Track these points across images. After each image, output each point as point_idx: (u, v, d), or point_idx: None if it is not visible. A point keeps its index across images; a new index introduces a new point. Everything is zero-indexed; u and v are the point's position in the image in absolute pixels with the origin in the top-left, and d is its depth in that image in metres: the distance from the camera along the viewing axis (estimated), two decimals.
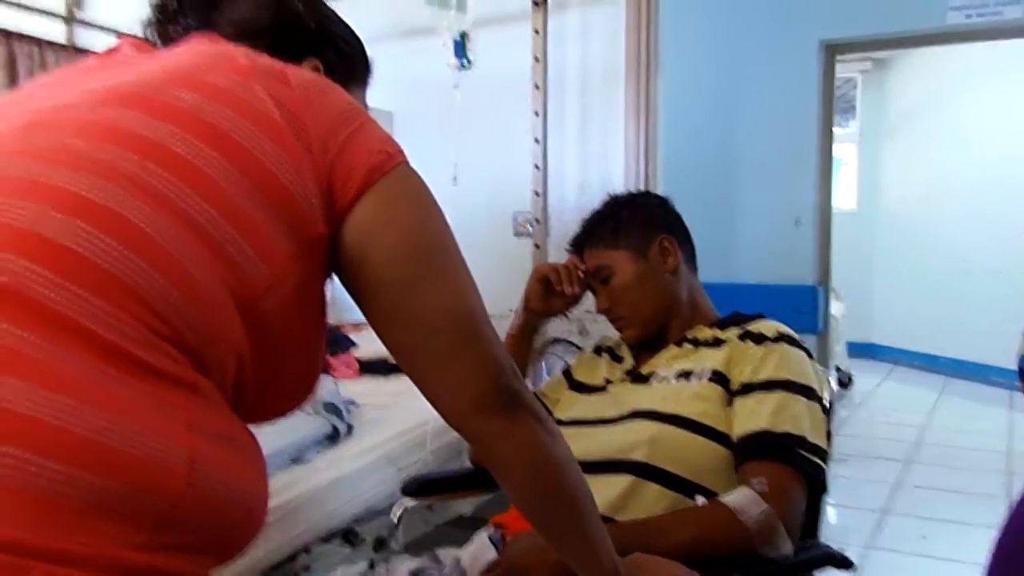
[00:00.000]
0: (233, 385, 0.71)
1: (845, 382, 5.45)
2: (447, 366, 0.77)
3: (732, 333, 1.31)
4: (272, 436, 1.61)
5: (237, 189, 0.69)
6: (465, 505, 2.01)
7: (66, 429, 0.55)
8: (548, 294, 1.47)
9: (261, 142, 0.72)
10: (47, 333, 0.58)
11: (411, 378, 0.79)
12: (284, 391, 0.81)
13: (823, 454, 1.19)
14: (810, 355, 1.28)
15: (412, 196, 0.79)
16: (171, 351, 0.63)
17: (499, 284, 2.68)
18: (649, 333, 1.40)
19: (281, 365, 0.77)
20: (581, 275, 1.44)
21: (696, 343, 1.35)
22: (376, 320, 0.78)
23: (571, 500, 0.85)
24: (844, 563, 1.15)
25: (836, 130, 3.79)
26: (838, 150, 3.74)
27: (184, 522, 0.60)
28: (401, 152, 0.80)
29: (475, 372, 0.77)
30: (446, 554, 1.30)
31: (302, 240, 0.73)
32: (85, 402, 0.56)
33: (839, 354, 5.21)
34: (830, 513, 3.24)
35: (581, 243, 1.47)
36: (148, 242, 0.64)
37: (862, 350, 6.53)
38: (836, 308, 4.41)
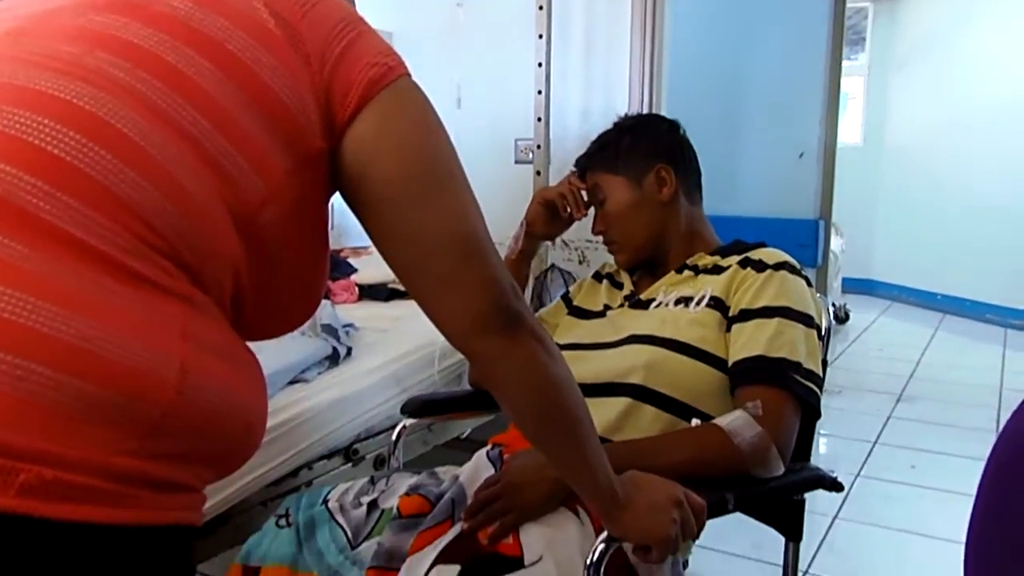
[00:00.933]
0: (232, 302, 0.71)
1: (842, 317, 5.49)
2: (448, 287, 0.76)
3: (733, 260, 1.32)
4: (272, 357, 1.62)
5: (231, 101, 0.68)
6: (463, 427, 2.04)
7: (54, 336, 0.55)
8: (550, 218, 1.49)
9: (256, 53, 0.70)
10: (36, 243, 0.57)
11: (413, 297, 0.79)
12: (285, 308, 0.81)
13: (818, 380, 1.20)
14: (810, 283, 1.29)
15: (413, 111, 0.78)
16: (166, 265, 0.63)
17: (500, 211, 2.68)
18: (640, 259, 1.43)
19: (280, 282, 0.77)
20: (583, 196, 1.46)
21: (696, 270, 1.36)
22: (377, 238, 0.77)
23: (570, 419, 0.86)
24: (834, 485, 1.18)
25: (844, 63, 3.73)
26: (845, 83, 3.68)
27: (176, 431, 0.60)
28: (402, 64, 0.78)
29: (476, 293, 0.76)
30: (445, 471, 1.33)
31: (299, 155, 0.72)
32: (75, 310, 0.56)
33: (835, 289, 5.23)
34: (821, 443, 3.30)
35: (583, 164, 1.47)
36: (141, 154, 0.63)
37: (861, 286, 6.55)
38: (836, 243, 4.40)
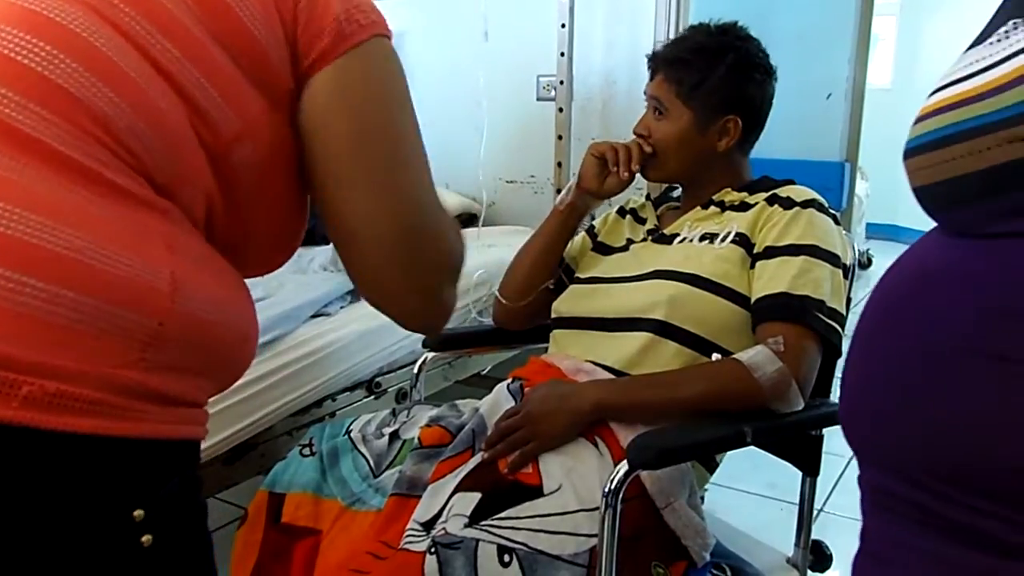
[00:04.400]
0: (205, 230, 0.69)
1: (865, 263, 5.44)
2: (380, 278, 0.75)
3: (760, 197, 1.30)
4: (295, 291, 1.65)
5: (202, 32, 0.66)
6: (483, 363, 2.06)
7: (44, 247, 0.54)
8: (602, 173, 1.39)
9: None
10: (14, 153, 0.56)
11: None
12: (258, 249, 0.79)
13: (841, 319, 1.20)
14: (837, 222, 1.27)
15: (376, 81, 0.73)
16: (141, 181, 0.62)
17: (521, 150, 2.66)
18: (666, 181, 1.42)
19: (253, 221, 0.75)
20: (647, 150, 1.36)
21: (722, 206, 1.34)
22: (316, 208, 0.75)
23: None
24: None
25: (876, 2, 3.63)
26: (876, 24, 3.58)
27: (174, 341, 0.60)
28: (379, 23, 0.73)
29: (408, 293, 0.76)
30: (465, 404, 1.34)
31: (274, 93, 0.70)
32: (61, 221, 0.55)
33: (859, 234, 5.17)
34: (838, 387, 3.29)
35: (661, 65, 1.36)
36: (114, 69, 0.61)
37: (885, 231, 6.47)
38: (861, 188, 4.35)
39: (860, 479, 0.73)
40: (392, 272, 0.74)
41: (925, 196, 0.69)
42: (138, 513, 0.57)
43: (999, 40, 0.63)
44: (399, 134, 0.74)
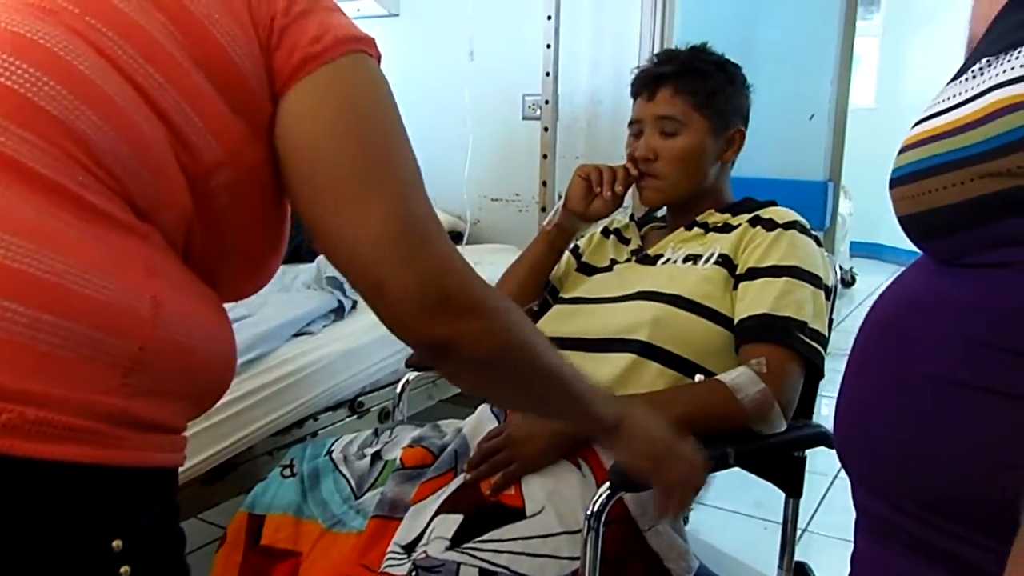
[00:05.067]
0: (183, 254, 0.69)
1: (848, 281, 5.48)
2: (382, 292, 0.68)
3: (743, 219, 1.30)
4: (278, 309, 1.64)
5: (185, 58, 0.65)
6: None
7: (24, 271, 0.53)
8: (589, 195, 1.40)
9: (211, 11, 0.67)
10: None
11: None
12: (235, 272, 0.78)
13: (823, 340, 1.20)
14: (819, 243, 1.28)
15: (352, 94, 0.71)
16: (121, 204, 0.61)
17: (506, 168, 2.67)
18: (668, 202, 1.39)
19: (230, 245, 0.73)
20: (634, 173, 1.36)
21: (706, 227, 1.35)
22: (306, 221, 0.70)
23: (543, 377, 0.81)
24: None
25: (858, 22, 3.67)
26: (858, 44, 3.63)
27: (154, 366, 0.59)
28: (358, 39, 0.72)
29: (406, 302, 0.67)
30: (448, 424, 1.34)
31: (254, 119, 0.69)
32: (41, 244, 0.55)
33: (843, 253, 5.21)
34: (823, 405, 3.30)
35: (666, 77, 1.34)
36: (96, 91, 0.61)
37: (868, 250, 6.52)
38: (844, 206, 4.38)
39: (854, 501, 0.74)
40: (400, 280, 0.67)
41: (908, 225, 0.70)
42: (116, 543, 0.56)
43: (973, 76, 0.65)
44: (382, 141, 0.70)
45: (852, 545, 0.76)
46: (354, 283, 0.70)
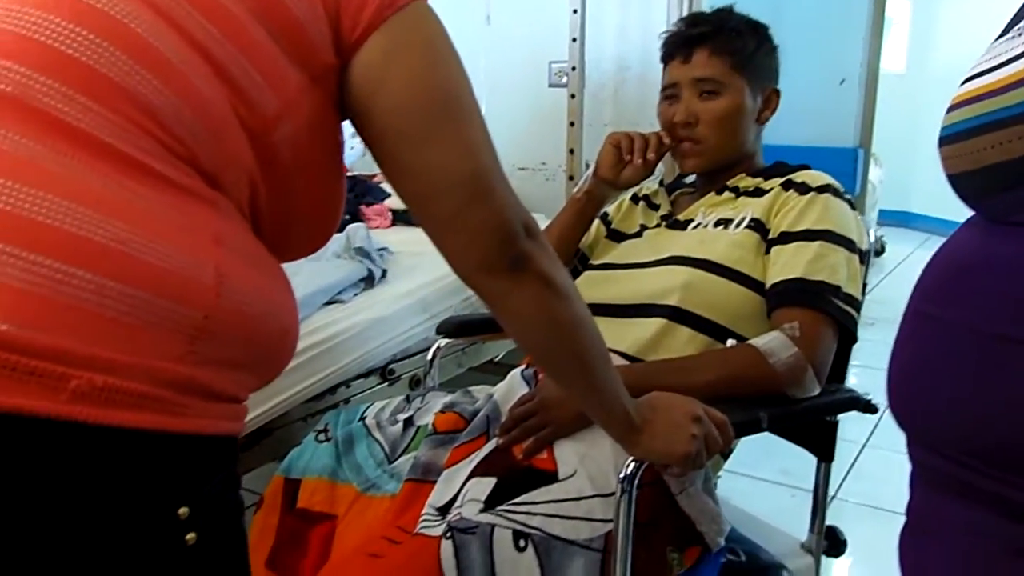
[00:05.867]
0: (250, 216, 0.70)
1: (878, 250, 5.41)
2: (453, 226, 0.74)
3: (775, 182, 1.29)
4: (309, 278, 1.65)
5: (242, 11, 0.65)
6: (497, 350, 2.07)
7: (91, 239, 0.54)
8: (620, 163, 1.38)
9: None
10: (60, 145, 0.56)
11: (423, 229, 0.77)
12: (301, 229, 0.79)
13: (857, 304, 1.19)
14: (853, 207, 1.27)
15: (424, 40, 0.74)
16: (188, 170, 0.61)
17: (533, 136, 2.65)
18: (710, 168, 1.36)
19: (295, 201, 0.75)
20: (667, 142, 1.36)
21: (737, 191, 1.33)
22: (386, 171, 0.75)
23: (578, 358, 0.86)
24: (868, 407, 1.18)
25: None
26: (889, 8, 3.55)
27: (218, 335, 0.60)
28: None
29: (481, 234, 0.74)
30: (479, 391, 1.34)
31: (313, 70, 0.70)
32: (108, 213, 0.55)
33: (872, 221, 5.14)
34: (853, 374, 3.28)
35: (702, 39, 1.32)
36: (156, 55, 0.61)
37: (897, 218, 6.44)
38: (874, 174, 4.31)
39: (909, 453, 0.77)
40: (472, 217, 0.73)
41: (957, 184, 0.71)
42: (183, 511, 0.57)
43: (1019, 34, 0.65)
44: (453, 85, 0.74)
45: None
46: (429, 217, 0.75)
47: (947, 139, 0.70)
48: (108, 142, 0.57)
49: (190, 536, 0.57)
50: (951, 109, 0.70)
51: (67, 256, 0.53)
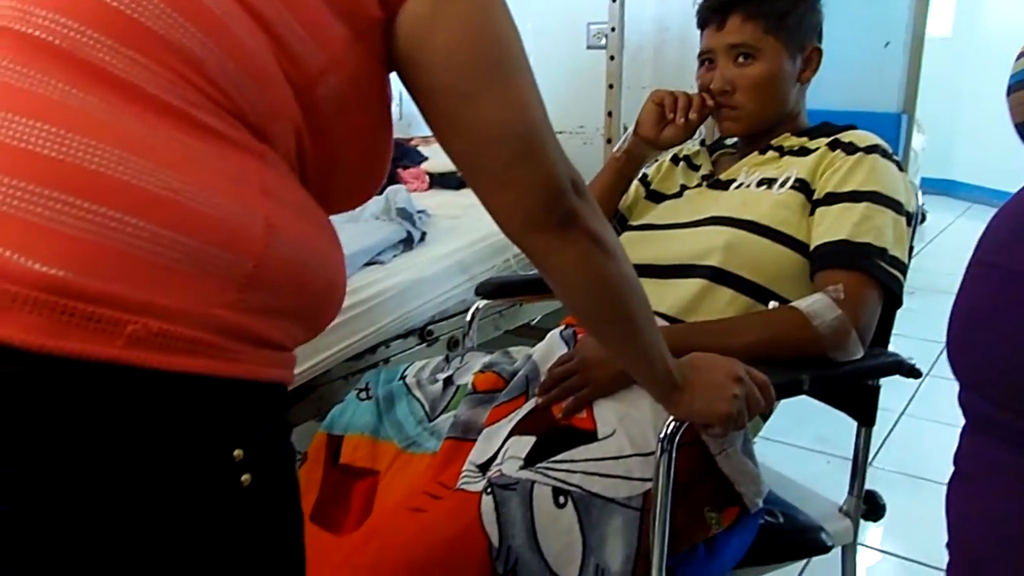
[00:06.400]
0: (298, 167, 0.70)
1: (920, 218, 5.31)
2: (502, 182, 0.74)
3: (821, 142, 1.27)
4: (349, 238, 1.65)
5: None
6: (534, 312, 2.07)
7: (143, 188, 0.54)
8: (661, 122, 1.37)
9: None
10: (111, 98, 0.56)
11: (470, 186, 0.77)
12: (347, 180, 0.79)
13: (903, 267, 1.18)
14: (901, 168, 1.24)
15: None
16: (234, 122, 0.62)
17: (570, 99, 2.63)
18: (751, 132, 1.35)
19: (341, 155, 0.75)
20: (710, 103, 1.34)
21: (781, 151, 1.31)
22: (433, 127, 0.75)
23: (623, 317, 0.86)
24: (912, 372, 1.17)
25: None
26: None
27: (268, 284, 0.60)
28: None
29: (530, 190, 0.74)
30: (518, 351, 1.35)
31: (358, 24, 0.69)
32: (159, 163, 0.56)
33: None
34: (892, 342, 3.25)
35: (734, 4, 1.30)
36: (201, 9, 0.61)
37: (939, 186, 6.31)
38: (917, 141, 4.21)
39: (960, 400, 0.79)
40: (521, 173, 0.73)
41: None
42: (237, 453, 0.58)
43: None
44: (504, 38, 0.73)
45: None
46: (477, 172, 0.75)
47: (1016, 86, 0.69)
48: (155, 94, 0.58)
49: (245, 477, 0.58)
50: (1021, 56, 0.69)
51: (121, 204, 0.53)
